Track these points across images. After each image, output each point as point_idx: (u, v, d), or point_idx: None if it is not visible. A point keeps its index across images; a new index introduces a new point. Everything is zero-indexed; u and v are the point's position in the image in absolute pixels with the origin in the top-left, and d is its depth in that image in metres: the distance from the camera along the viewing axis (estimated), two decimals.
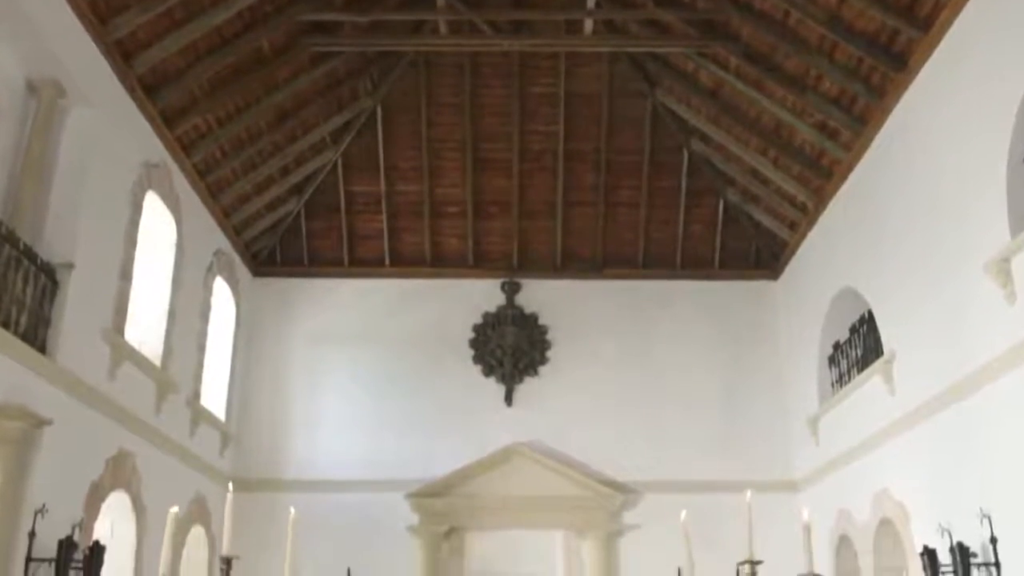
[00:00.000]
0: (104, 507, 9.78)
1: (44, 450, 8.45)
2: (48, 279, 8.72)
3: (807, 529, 4.16)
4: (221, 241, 13.63)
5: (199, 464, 12.61)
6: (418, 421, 14.37)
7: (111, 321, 9.96)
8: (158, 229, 11.54)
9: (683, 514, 4.20)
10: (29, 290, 8.40)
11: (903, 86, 10.23)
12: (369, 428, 14.38)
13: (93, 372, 9.54)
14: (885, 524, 10.84)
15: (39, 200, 8.99)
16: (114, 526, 10.29)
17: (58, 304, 8.85)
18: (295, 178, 14.28)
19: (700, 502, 13.66)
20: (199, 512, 12.60)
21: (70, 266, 8.96)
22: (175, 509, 4.51)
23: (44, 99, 9.07)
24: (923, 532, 9.55)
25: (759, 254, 15.24)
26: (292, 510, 4.40)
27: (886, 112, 10.69)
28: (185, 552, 12.13)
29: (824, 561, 12.19)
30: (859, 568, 11.59)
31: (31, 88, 9.12)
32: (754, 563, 3.83)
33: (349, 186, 14.69)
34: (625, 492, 14.02)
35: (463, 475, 13.95)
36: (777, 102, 12.15)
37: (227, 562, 4.16)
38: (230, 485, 4.50)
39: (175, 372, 11.77)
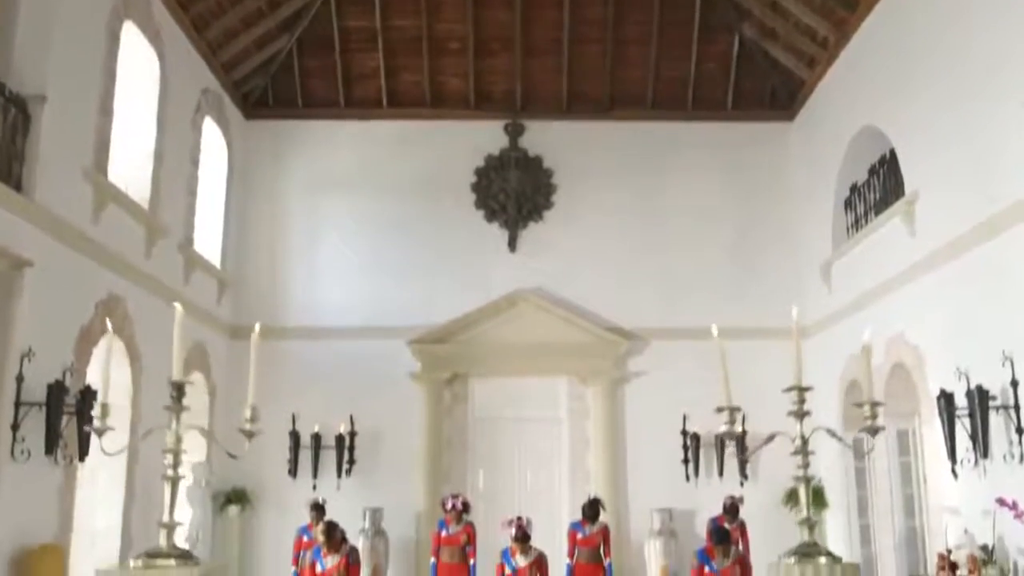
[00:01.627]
0: (96, 352, 9.52)
1: (28, 293, 8.13)
2: (19, 112, 8.17)
3: (867, 351, 3.78)
4: (209, 80, 12.95)
5: (196, 311, 12.29)
6: (419, 267, 14.03)
7: (92, 160, 9.45)
8: (138, 63, 10.86)
9: (714, 329, 3.81)
10: None
11: None
12: (369, 275, 14.05)
13: (76, 213, 9.10)
14: (898, 369, 10.60)
15: (5, 27, 8.36)
16: (109, 372, 10.05)
17: (32, 139, 8.32)
18: (285, 12, 13.45)
19: (707, 349, 13.47)
20: (198, 359, 12.41)
21: (42, 98, 8.39)
22: (110, 324, 4.12)
23: None
24: (938, 376, 9.31)
25: (775, 94, 14.52)
26: (257, 327, 4.00)
27: None
28: (185, 400, 11.97)
29: (832, 407, 12.07)
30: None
31: None
32: (802, 389, 3.51)
33: (343, 21, 13.86)
34: (630, 339, 13.79)
35: (466, 322, 13.71)
36: None
37: (178, 388, 3.79)
38: (177, 305, 4.10)
39: (165, 216, 11.34)
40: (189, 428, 4.12)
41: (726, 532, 6.59)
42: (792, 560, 3.68)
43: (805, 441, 3.69)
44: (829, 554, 3.67)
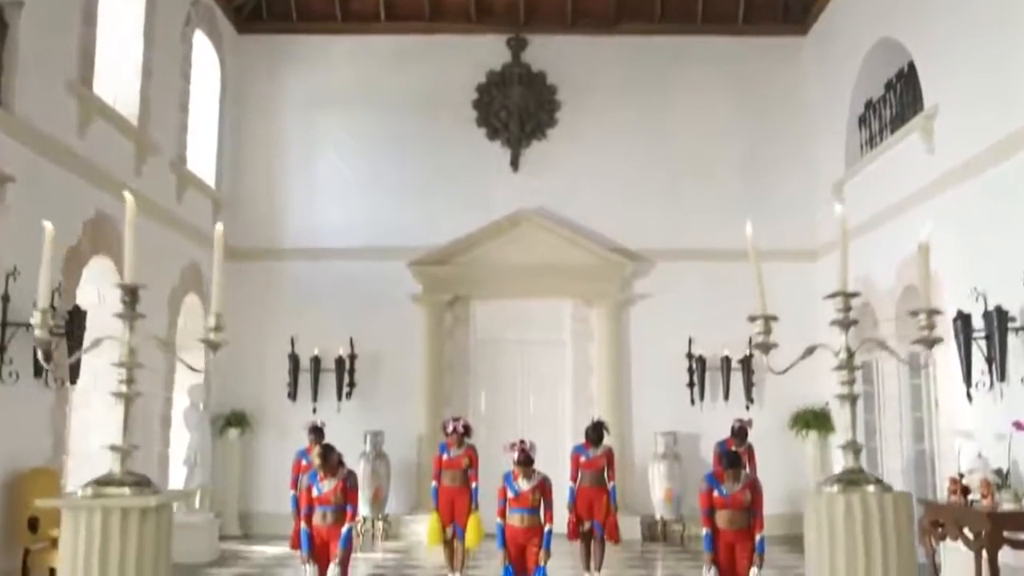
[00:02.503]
0: (86, 273, 9.26)
1: (11, 210, 7.82)
2: None
3: (924, 251, 3.45)
4: None
5: (190, 231, 12.02)
6: (419, 187, 13.65)
7: (76, 71, 9.07)
8: None
9: (748, 227, 3.46)
10: None
11: None
12: (368, 194, 13.69)
13: (60, 127, 8.75)
14: (910, 291, 10.31)
15: None
16: (101, 292, 9.83)
17: (10, 48, 7.93)
18: None
19: (713, 270, 13.20)
20: (193, 280, 12.15)
21: (19, 4, 7.97)
22: (49, 225, 3.66)
23: None
24: (954, 298, 9.02)
25: (788, 6, 13.96)
26: (219, 225, 3.54)
27: None
28: (181, 320, 11.77)
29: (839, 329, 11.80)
30: (879, 336, 11.18)
31: None
32: (848, 295, 3.15)
33: None
34: (636, 260, 13.48)
35: (467, 243, 13.39)
36: None
37: (131, 293, 3.41)
38: (127, 195, 3.56)
39: (155, 133, 10.96)
40: (146, 339, 3.62)
41: (737, 456, 6.36)
42: (835, 488, 3.29)
43: (851, 354, 3.31)
44: (878, 481, 3.26)
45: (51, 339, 3.50)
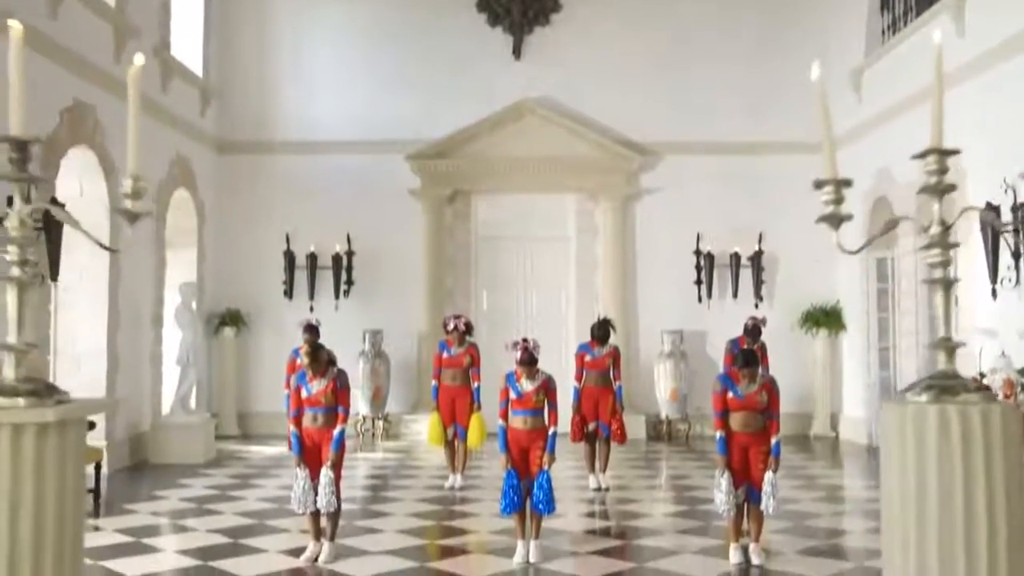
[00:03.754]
0: (65, 164, 8.79)
1: None
2: None
3: None
4: None
5: (177, 123, 11.48)
6: (417, 77, 12.99)
7: None
8: None
9: (815, 70, 2.91)
10: None
11: None
12: (364, 85, 13.06)
13: (27, 6, 8.10)
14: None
15: None
16: (83, 185, 9.39)
17: None
18: None
19: (723, 164, 12.73)
20: (182, 174, 11.66)
21: None
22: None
23: None
24: (980, 191, 8.54)
25: None
26: (139, 58, 2.71)
27: None
28: (170, 216, 11.34)
29: (857, 224, 11.34)
30: (896, 232, 10.74)
31: None
32: (945, 152, 2.58)
33: None
34: (643, 153, 12.94)
35: (467, 135, 12.83)
36: None
37: (20, 147, 2.73)
38: (12, 24, 2.41)
39: (135, 16, 10.30)
40: (40, 207, 2.80)
41: (753, 355, 5.98)
42: (925, 398, 2.59)
43: (947, 228, 2.74)
44: (980, 388, 2.61)
45: None
